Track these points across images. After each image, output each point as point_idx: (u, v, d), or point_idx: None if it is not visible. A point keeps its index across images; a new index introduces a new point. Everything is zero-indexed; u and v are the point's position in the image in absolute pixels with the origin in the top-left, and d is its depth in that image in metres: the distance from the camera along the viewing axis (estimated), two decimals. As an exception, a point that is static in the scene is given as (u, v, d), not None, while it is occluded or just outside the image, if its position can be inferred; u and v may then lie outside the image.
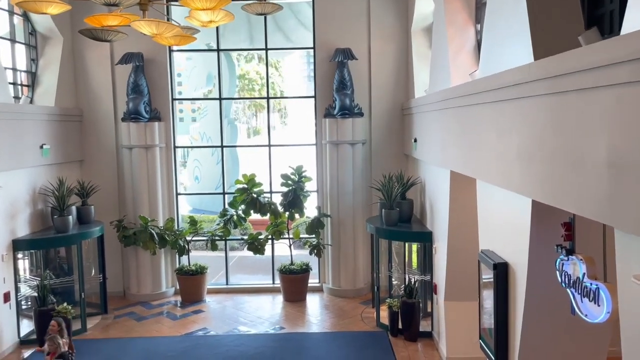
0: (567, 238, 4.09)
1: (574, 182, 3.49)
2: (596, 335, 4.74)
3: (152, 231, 10.37)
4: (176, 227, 11.12)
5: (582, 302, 3.86)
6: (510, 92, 4.56)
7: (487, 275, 5.44)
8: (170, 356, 8.31)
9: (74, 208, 9.77)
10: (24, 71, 10.16)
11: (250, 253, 11.23)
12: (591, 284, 3.74)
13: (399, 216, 9.42)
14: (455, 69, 7.38)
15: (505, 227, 5.24)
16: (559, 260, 4.19)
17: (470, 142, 5.98)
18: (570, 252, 4.07)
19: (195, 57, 21.34)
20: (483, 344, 5.64)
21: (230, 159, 18.87)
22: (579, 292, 3.87)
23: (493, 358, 5.28)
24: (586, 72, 3.25)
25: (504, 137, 4.83)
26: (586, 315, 3.85)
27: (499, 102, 4.91)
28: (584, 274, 3.83)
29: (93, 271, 10.37)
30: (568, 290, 4.06)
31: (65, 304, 8.93)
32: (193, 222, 11.09)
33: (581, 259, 3.89)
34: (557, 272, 4.21)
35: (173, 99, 11.27)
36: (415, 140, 9.52)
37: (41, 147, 9.36)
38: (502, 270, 5.13)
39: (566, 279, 4.07)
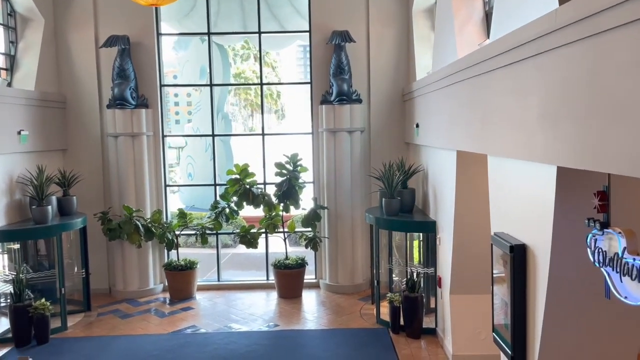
0: (601, 209, 3.54)
1: (615, 136, 2.94)
2: (630, 324, 4.19)
3: (138, 222, 9.77)
4: (164, 220, 10.53)
5: (621, 282, 3.31)
6: (530, 49, 4.01)
7: (502, 260, 4.88)
8: (155, 355, 7.72)
9: (54, 198, 9.17)
10: (3, 54, 9.57)
11: (244, 250, 10.65)
12: (634, 259, 3.18)
13: (400, 206, 8.85)
14: (462, 42, 6.84)
15: (523, 206, 4.69)
16: (590, 235, 3.63)
17: (481, 116, 5.44)
18: (605, 225, 3.51)
19: (188, 51, 20.83)
20: (497, 338, 5.07)
21: (224, 154, 18.34)
22: (618, 270, 3.32)
23: (510, 352, 4.71)
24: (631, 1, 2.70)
25: (522, 101, 4.28)
26: (626, 297, 3.30)
27: (515, 63, 4.36)
28: (624, 249, 3.27)
29: (76, 268, 9.77)
30: (603, 269, 3.50)
31: (43, 300, 8.33)
32: (182, 214, 10.50)
33: (619, 232, 3.34)
34: (588, 250, 3.65)
35: (161, 85, 10.69)
36: (417, 126, 8.97)
37: (19, 133, 8.77)
38: (519, 253, 4.57)
39: (600, 257, 3.52)
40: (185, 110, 28.96)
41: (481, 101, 5.43)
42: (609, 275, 3.45)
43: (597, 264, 3.57)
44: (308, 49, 10.72)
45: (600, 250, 3.52)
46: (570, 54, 3.46)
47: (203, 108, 19.92)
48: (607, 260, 3.46)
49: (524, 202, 4.65)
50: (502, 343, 4.94)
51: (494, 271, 5.17)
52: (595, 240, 3.57)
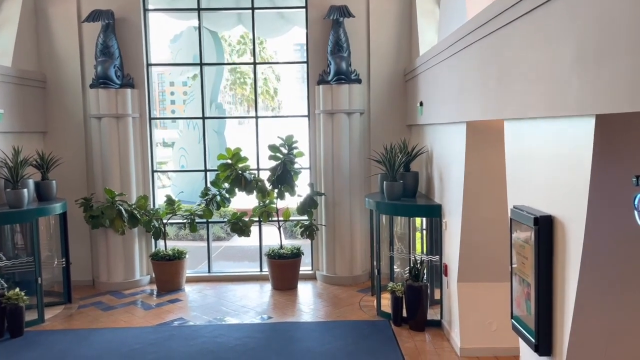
0: (654, 163, 2.96)
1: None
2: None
3: (121, 207, 9.14)
4: (151, 207, 9.91)
5: (682, 248, 2.72)
6: (563, -17, 3.42)
7: (523, 235, 4.29)
8: (137, 349, 7.10)
9: (31, 181, 8.53)
10: (-23, 28, 8.96)
11: (237, 243, 10.03)
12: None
13: (403, 190, 8.25)
14: (473, 4, 6.25)
15: (548, 172, 4.09)
16: (638, 196, 3.04)
17: (497, 78, 4.85)
18: (658, 182, 2.93)
19: (180, 41, 20.23)
20: (517, 324, 4.48)
21: (218, 145, 17.73)
22: (678, 234, 2.73)
23: (533, 340, 4.12)
24: None
25: (551, 48, 3.69)
26: (688, 268, 2.71)
27: (541, 6, 3.77)
28: (687, 207, 2.69)
29: (56, 260, 9.11)
30: (656, 235, 2.92)
31: (17, 290, 7.71)
32: (170, 201, 9.88)
33: (680, 188, 2.76)
34: (636, 213, 3.07)
35: (148, 65, 10.07)
36: (421, 104, 8.39)
37: (-7, 110, 8.15)
38: (545, 226, 3.97)
39: (652, 221, 2.93)
40: (182, 109, 28.40)
41: (497, 61, 4.84)
42: (664, 241, 2.86)
43: (648, 230, 2.98)
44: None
45: (652, 212, 2.93)
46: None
47: (197, 98, 19.34)
48: (662, 224, 2.87)
49: (550, 168, 4.06)
50: (523, 330, 4.35)
51: (513, 250, 4.57)
52: (646, 201, 2.99)
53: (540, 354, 4.10)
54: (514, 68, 4.42)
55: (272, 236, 10.43)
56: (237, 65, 26.53)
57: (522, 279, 4.36)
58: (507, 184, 4.95)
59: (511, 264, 4.60)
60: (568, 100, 3.45)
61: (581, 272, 3.63)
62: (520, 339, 4.55)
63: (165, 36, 18.60)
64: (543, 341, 4.06)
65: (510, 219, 4.54)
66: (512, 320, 4.58)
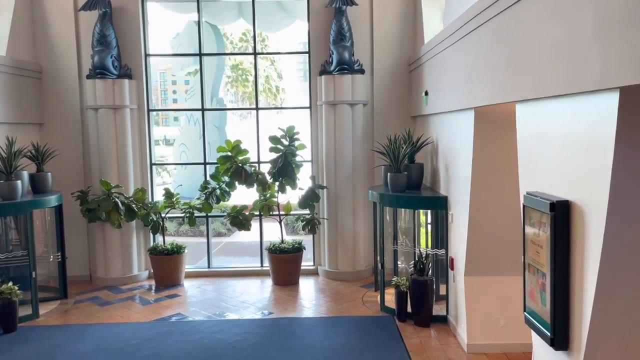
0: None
1: None
2: None
3: (117, 200, 8.91)
4: (149, 200, 9.68)
5: None
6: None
7: (537, 223, 4.04)
8: (134, 344, 6.88)
9: (25, 173, 8.29)
10: (-30, 16, 8.74)
11: (238, 239, 9.80)
12: None
13: (407, 181, 8.01)
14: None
15: (565, 156, 3.85)
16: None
17: (508, 58, 4.61)
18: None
19: (181, 35, 20.03)
20: (531, 317, 4.23)
21: (219, 141, 17.53)
22: None
23: (548, 333, 3.88)
24: None
25: (569, 20, 3.45)
26: None
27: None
28: None
29: (52, 255, 8.89)
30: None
31: (10, 284, 7.49)
32: (169, 194, 9.65)
33: None
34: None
35: (146, 55, 9.84)
36: (426, 94, 8.15)
37: (-14, 100, 7.93)
38: (562, 212, 3.73)
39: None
40: (184, 107, 28.24)
41: (508, 41, 4.60)
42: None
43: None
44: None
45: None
46: None
47: (198, 93, 19.12)
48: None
49: (567, 151, 3.82)
50: (537, 323, 4.10)
51: (526, 239, 4.33)
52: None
53: (556, 349, 3.86)
54: (527, 46, 4.18)
55: (273, 232, 10.21)
56: (239, 63, 26.28)
57: (536, 269, 4.12)
58: (520, 170, 4.71)
59: (524, 254, 4.35)
60: (591, 74, 3.21)
61: (602, 260, 3.39)
62: (533, 333, 4.31)
63: (166, 33, 18.40)
64: (559, 334, 3.82)
65: (523, 206, 4.30)
66: (525, 313, 4.34)
